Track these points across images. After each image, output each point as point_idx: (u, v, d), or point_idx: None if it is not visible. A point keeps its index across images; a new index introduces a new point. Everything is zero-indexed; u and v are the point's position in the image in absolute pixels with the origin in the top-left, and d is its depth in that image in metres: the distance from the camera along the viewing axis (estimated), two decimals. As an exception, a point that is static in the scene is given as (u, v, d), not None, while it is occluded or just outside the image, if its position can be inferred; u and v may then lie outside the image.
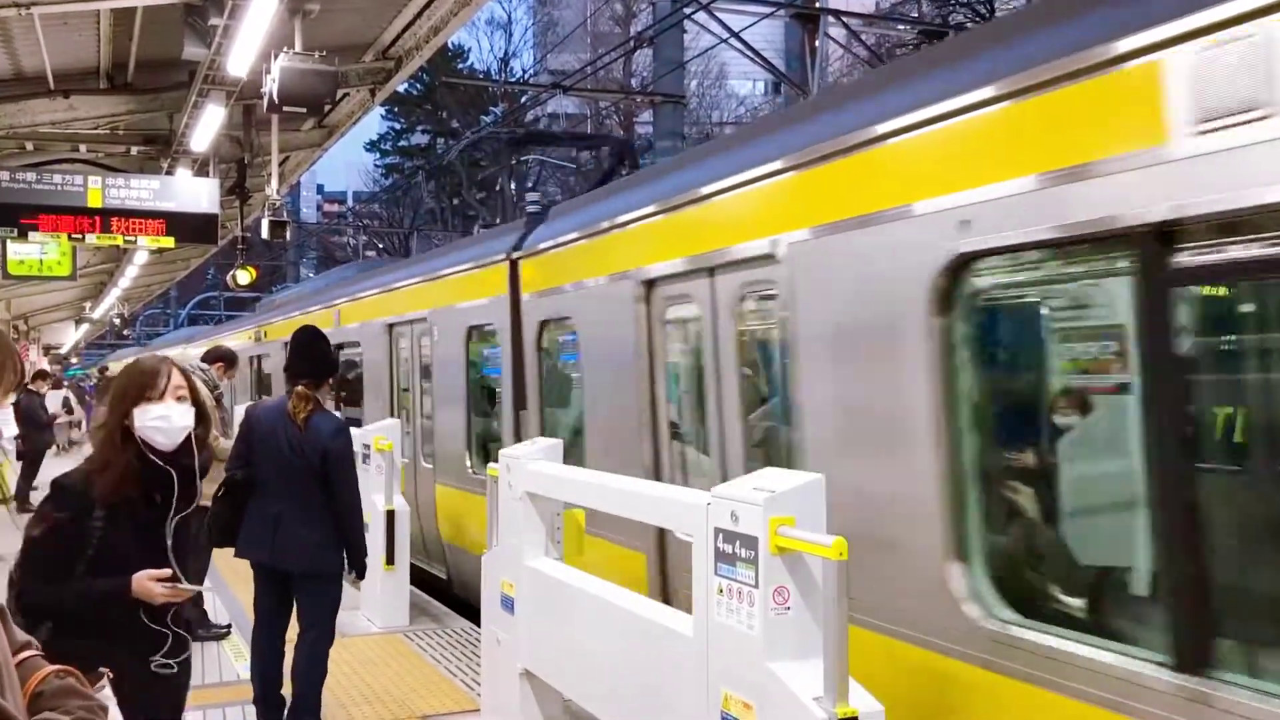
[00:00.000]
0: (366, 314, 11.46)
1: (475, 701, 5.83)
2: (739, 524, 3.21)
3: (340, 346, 11.47)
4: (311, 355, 5.47)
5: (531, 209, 8.73)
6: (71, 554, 3.09)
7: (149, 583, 3.06)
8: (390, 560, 7.64)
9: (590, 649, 4.24)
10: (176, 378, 3.24)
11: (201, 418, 3.29)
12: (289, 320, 14.63)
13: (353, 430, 6.01)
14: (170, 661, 3.24)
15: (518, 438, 7.43)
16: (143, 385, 3.21)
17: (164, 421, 3.18)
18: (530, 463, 4.77)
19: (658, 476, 5.77)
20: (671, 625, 3.70)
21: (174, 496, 3.20)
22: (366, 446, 7.92)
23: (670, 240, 5.63)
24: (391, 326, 10.69)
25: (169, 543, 3.20)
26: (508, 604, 4.87)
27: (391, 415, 10.30)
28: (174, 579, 3.10)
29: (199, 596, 3.39)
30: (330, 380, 5.51)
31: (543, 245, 7.33)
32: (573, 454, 5.95)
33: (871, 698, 2.97)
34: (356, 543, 5.24)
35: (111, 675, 1.84)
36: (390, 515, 7.66)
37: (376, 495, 7.65)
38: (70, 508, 3.12)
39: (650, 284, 5.85)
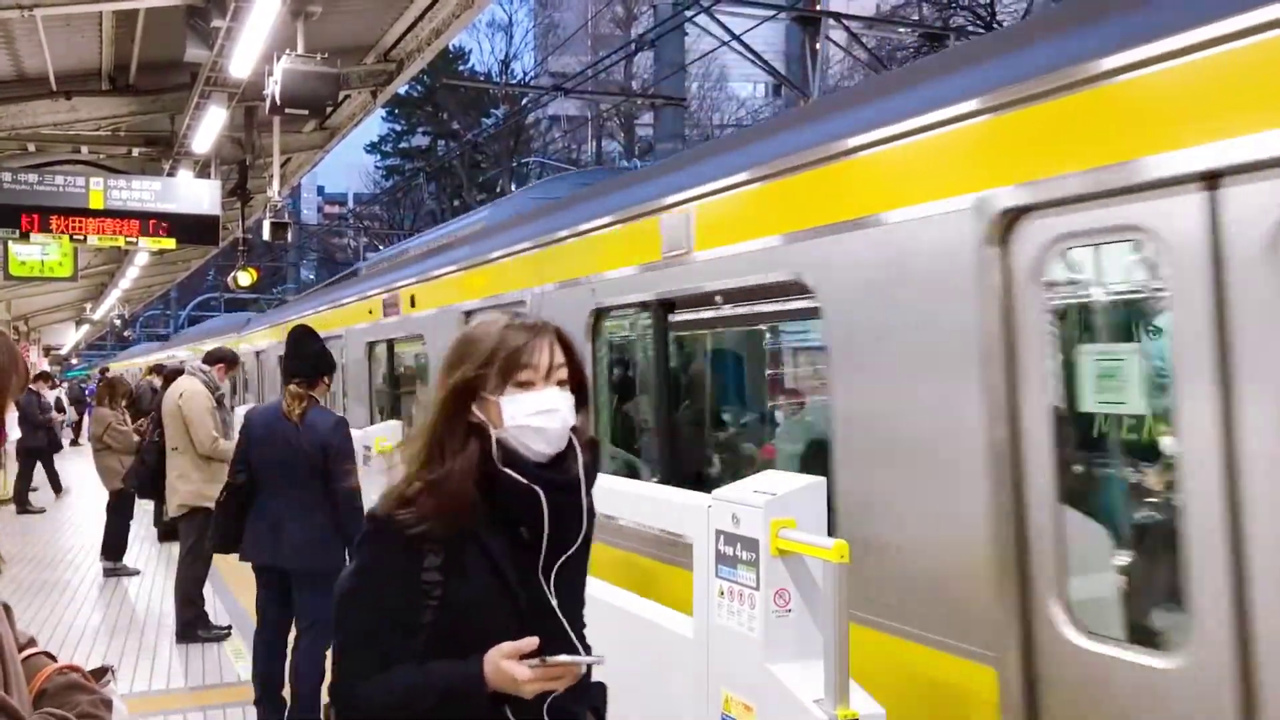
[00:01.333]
0: (889, 194, 3.72)
1: (475, 703, 5.82)
2: (740, 526, 3.22)
3: (668, 309, 5.26)
4: (305, 354, 5.47)
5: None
6: (400, 625, 2.02)
7: (508, 664, 1.94)
8: (391, 562, 7.60)
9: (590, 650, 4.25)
10: (558, 351, 2.12)
11: (581, 404, 2.15)
12: (505, 263, 7.14)
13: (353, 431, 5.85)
14: None
15: None
16: (513, 361, 2.06)
17: (547, 419, 2.06)
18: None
19: None
20: (672, 626, 3.71)
21: (545, 527, 2.06)
22: (367, 448, 7.91)
23: None
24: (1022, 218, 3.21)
25: (553, 599, 2.08)
26: (508, 606, 4.88)
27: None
28: (542, 651, 1.96)
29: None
30: (326, 379, 5.48)
31: None
32: None
33: (873, 700, 2.97)
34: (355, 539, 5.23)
35: (115, 671, 1.76)
36: (391, 517, 7.61)
37: (377, 496, 7.62)
38: (393, 554, 2.02)
39: None
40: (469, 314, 7.81)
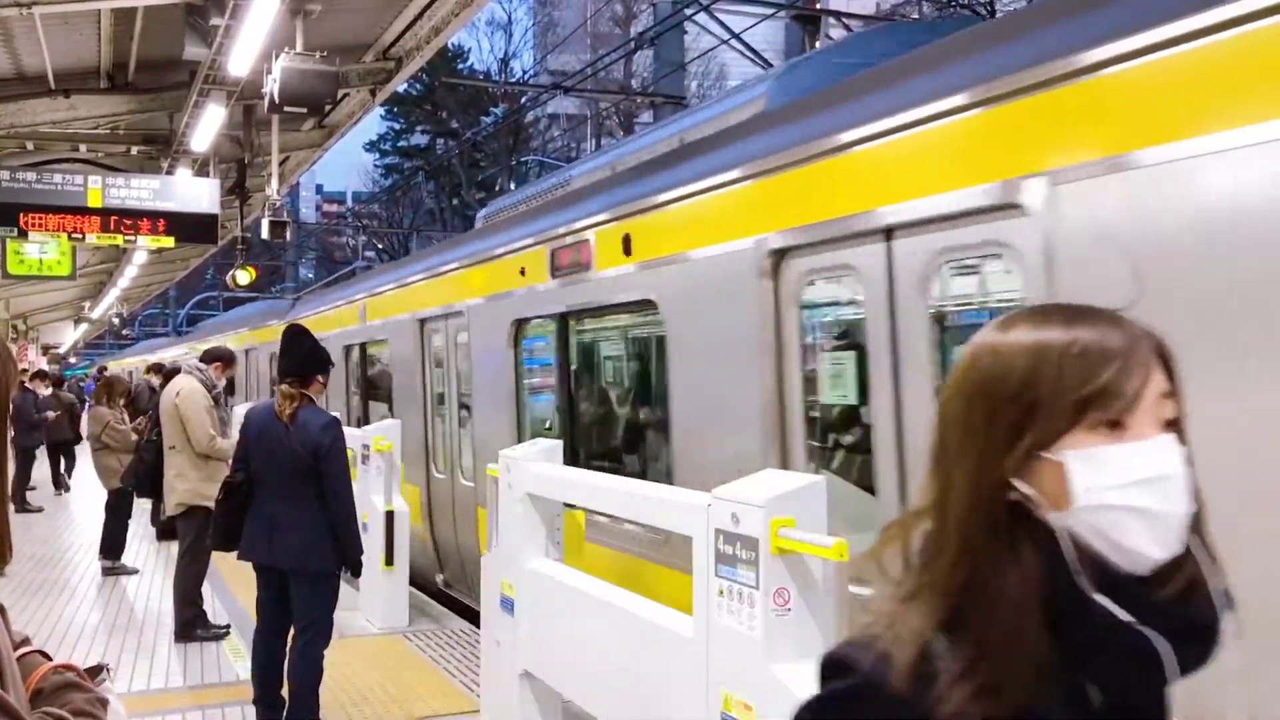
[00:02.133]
0: None
1: (475, 703, 5.82)
2: (740, 525, 3.21)
3: None
4: (297, 353, 5.45)
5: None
6: None
7: None
8: (389, 561, 7.63)
9: (590, 650, 4.24)
10: (1161, 373, 1.08)
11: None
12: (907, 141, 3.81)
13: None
14: None
15: None
16: (1093, 385, 1.04)
17: (1159, 494, 1.05)
18: (531, 464, 4.77)
19: None
20: (672, 626, 3.70)
21: (1164, 699, 1.11)
22: (366, 447, 7.91)
23: None
24: None
25: None
26: (507, 605, 4.87)
27: None
28: None
29: None
30: (320, 378, 5.46)
31: None
32: None
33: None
34: (348, 539, 5.23)
35: (111, 670, 1.74)
36: (390, 516, 7.65)
37: (376, 496, 7.64)
38: None
39: None
40: (781, 253, 4.55)
